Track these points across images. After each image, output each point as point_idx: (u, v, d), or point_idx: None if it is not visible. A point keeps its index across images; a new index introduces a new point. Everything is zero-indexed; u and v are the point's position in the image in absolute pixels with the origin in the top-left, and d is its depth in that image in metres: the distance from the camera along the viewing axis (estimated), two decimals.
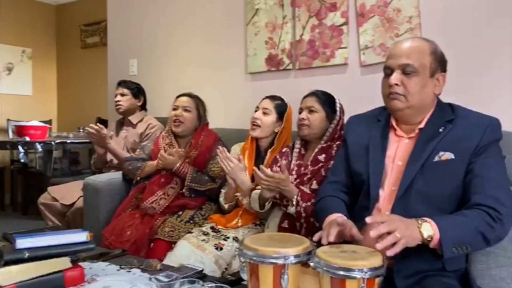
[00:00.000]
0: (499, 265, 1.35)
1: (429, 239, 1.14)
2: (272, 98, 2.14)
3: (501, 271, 1.34)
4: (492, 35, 1.93)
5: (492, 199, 1.19)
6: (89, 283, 1.33)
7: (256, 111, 2.13)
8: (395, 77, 1.34)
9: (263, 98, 2.16)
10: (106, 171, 2.71)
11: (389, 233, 1.09)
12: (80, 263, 1.39)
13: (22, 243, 1.25)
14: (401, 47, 1.37)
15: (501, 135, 1.32)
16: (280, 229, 1.79)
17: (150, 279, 1.33)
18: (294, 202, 1.70)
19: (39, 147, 3.66)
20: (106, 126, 2.68)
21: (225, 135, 2.41)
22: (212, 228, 2.01)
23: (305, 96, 1.95)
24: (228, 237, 1.92)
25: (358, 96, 2.11)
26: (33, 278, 1.24)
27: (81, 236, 1.34)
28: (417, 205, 1.28)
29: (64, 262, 1.30)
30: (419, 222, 1.15)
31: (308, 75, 2.46)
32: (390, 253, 1.08)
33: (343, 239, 1.24)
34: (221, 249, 1.85)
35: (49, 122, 4.98)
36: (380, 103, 1.48)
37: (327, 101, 1.90)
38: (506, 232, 1.22)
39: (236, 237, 1.91)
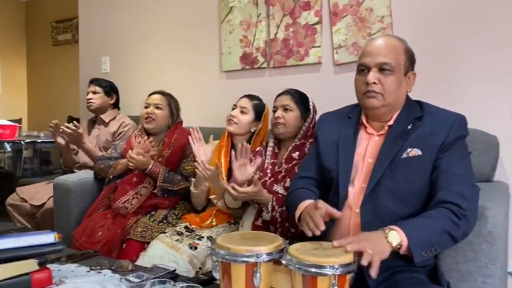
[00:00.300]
0: (466, 260, 1.38)
1: (398, 246, 1.14)
2: (250, 97, 2.14)
3: (468, 265, 1.38)
4: (462, 34, 1.97)
5: (457, 195, 1.21)
6: (57, 285, 1.30)
7: (233, 109, 2.12)
8: (373, 76, 1.33)
9: (241, 97, 2.15)
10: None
11: (360, 253, 1.06)
12: (48, 265, 1.36)
13: None
14: (376, 45, 1.37)
15: (467, 132, 1.35)
16: (254, 227, 1.78)
17: (120, 280, 1.30)
18: (270, 208, 1.69)
19: (7, 146, 3.57)
20: None
21: None
22: (186, 227, 1.99)
23: (279, 95, 1.95)
24: (203, 237, 1.91)
25: (332, 94, 2.12)
26: None
27: (48, 237, 1.30)
28: (386, 201, 1.30)
29: (31, 264, 1.26)
30: (386, 231, 1.15)
31: (282, 74, 2.47)
32: (373, 274, 1.06)
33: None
34: (196, 248, 1.83)
35: (19, 121, 4.83)
36: (354, 102, 1.49)
37: (300, 99, 1.91)
38: (471, 227, 1.24)
39: (211, 237, 1.90)
